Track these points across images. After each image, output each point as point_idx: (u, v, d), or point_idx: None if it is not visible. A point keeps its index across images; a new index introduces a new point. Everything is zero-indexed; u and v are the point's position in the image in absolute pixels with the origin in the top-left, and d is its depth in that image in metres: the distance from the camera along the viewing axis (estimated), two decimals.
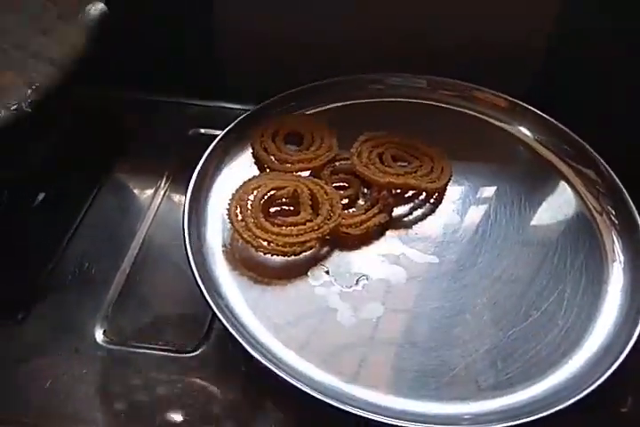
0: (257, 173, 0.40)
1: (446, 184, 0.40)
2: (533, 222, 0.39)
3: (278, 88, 0.43)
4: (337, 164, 0.40)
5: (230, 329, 0.31)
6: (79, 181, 0.43)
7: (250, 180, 0.38)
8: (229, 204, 0.36)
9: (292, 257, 0.35)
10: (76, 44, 0.32)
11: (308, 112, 0.43)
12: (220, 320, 0.31)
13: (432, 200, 0.40)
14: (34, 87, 0.31)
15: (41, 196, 0.42)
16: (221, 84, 0.50)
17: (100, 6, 0.32)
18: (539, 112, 0.42)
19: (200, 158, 0.39)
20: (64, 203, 0.42)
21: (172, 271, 0.38)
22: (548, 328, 0.33)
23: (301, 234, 0.35)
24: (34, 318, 0.36)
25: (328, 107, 0.44)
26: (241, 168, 0.40)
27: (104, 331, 0.36)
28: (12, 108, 0.30)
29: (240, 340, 0.31)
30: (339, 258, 0.36)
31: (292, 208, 0.38)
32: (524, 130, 0.43)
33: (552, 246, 0.37)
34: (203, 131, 0.47)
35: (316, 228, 0.36)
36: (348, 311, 0.34)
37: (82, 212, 0.42)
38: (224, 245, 0.36)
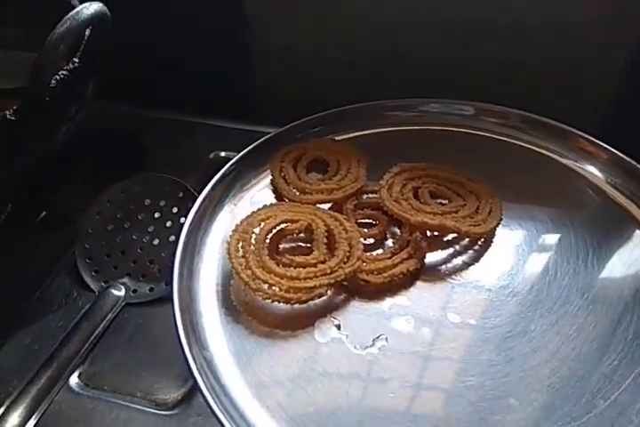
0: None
1: (494, 229, 0.33)
2: (602, 283, 0.31)
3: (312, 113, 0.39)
4: (364, 197, 0.35)
5: (208, 397, 0.25)
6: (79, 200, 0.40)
7: (259, 210, 0.33)
8: (231, 236, 0.31)
9: (298, 305, 0.29)
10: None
11: (337, 138, 0.38)
12: (196, 382, 0.25)
13: (477, 247, 0.33)
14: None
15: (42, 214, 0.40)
16: (255, 106, 0.47)
17: (96, 6, 0.28)
18: (616, 151, 0.36)
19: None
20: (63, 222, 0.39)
21: (164, 306, 0.33)
22: (618, 425, 0.25)
23: (310, 278, 0.29)
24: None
25: (360, 133, 0.38)
26: (258, 198, 0.36)
27: (79, 373, 0.32)
28: None
29: (217, 410, 0.24)
30: (354, 310, 0.30)
31: (309, 245, 0.32)
32: (594, 170, 0.36)
33: (626, 315, 0.30)
34: (223, 154, 0.43)
35: (328, 271, 0.30)
36: (356, 381, 0.27)
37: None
38: (220, 284, 0.31)
